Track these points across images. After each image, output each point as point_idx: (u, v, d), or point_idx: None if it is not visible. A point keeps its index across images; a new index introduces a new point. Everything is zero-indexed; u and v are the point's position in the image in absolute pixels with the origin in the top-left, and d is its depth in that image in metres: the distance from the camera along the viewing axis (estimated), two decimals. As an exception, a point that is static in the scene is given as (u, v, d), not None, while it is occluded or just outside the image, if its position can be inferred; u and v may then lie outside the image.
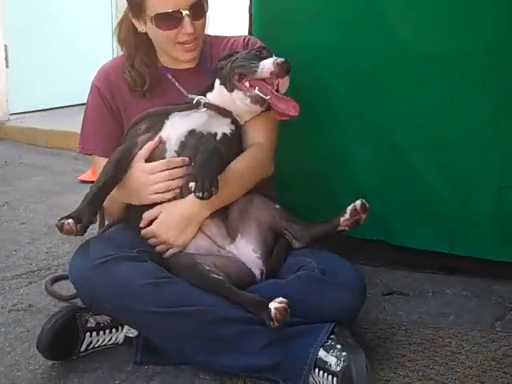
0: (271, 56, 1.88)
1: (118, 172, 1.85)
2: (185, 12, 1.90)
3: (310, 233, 1.93)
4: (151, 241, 1.88)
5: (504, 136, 2.22)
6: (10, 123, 5.36)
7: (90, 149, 2.06)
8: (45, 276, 2.45)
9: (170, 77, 2.05)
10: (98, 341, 1.86)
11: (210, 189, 1.69)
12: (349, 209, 1.89)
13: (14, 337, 1.99)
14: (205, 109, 1.91)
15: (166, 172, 1.84)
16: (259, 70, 1.83)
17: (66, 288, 2.24)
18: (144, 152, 1.87)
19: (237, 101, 1.89)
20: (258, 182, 1.96)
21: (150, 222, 1.88)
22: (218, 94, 1.93)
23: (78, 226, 1.70)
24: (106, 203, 1.84)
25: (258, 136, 1.99)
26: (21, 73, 5.47)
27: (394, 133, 2.34)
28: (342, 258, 1.89)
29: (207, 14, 2.02)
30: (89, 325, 1.84)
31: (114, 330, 1.88)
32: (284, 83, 1.87)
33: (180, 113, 1.91)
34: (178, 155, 1.86)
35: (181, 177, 1.85)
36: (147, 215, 1.88)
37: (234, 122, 1.95)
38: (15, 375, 1.79)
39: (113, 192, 1.82)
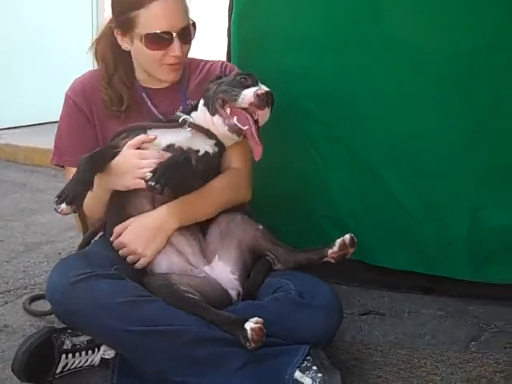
0: (256, 84, 1.88)
1: (103, 156, 1.85)
2: (175, 34, 1.93)
3: (295, 258, 1.94)
4: (121, 251, 1.88)
5: (478, 159, 2.26)
6: (-11, 140, 5.32)
7: (66, 160, 2.05)
8: (21, 295, 2.43)
9: (144, 96, 2.07)
10: (73, 363, 1.85)
11: (163, 185, 1.69)
12: (338, 242, 1.89)
13: (-11, 358, 1.97)
14: (189, 128, 1.92)
15: (154, 160, 1.83)
16: (240, 99, 1.83)
17: (43, 308, 2.21)
18: (135, 142, 1.87)
19: (217, 126, 1.90)
20: (234, 206, 1.97)
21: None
22: (201, 115, 1.94)
23: (74, 206, 1.74)
24: (85, 208, 1.88)
25: (236, 161, 2.00)
26: (1, 90, 5.45)
27: (371, 157, 2.37)
28: (319, 279, 1.90)
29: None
30: (65, 346, 1.83)
31: (90, 352, 1.87)
32: (264, 115, 1.86)
33: (162, 129, 1.92)
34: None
35: None
36: (117, 228, 1.88)
37: (218, 144, 1.95)
38: (-11, 397, 1.78)
39: (97, 183, 1.81)
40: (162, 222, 1.85)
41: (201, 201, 1.86)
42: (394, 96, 2.28)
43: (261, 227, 1.96)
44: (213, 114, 1.90)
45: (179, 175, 1.79)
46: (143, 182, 1.77)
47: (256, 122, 1.85)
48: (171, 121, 1.96)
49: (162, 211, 1.84)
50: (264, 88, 1.86)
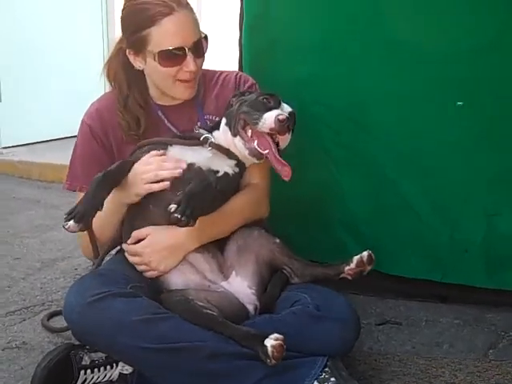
0: (279, 105, 1.87)
1: (119, 171, 1.86)
2: (188, 49, 1.93)
3: (311, 272, 1.94)
4: (134, 259, 1.89)
5: (491, 164, 2.26)
6: (2, 157, 5.35)
7: (77, 186, 2.07)
8: (39, 312, 2.44)
9: (160, 114, 2.07)
10: (92, 378, 1.85)
11: (190, 217, 1.67)
12: (355, 258, 1.89)
13: (8, 375, 1.98)
14: (210, 148, 1.92)
15: (157, 163, 1.85)
16: (260, 123, 1.81)
17: (62, 324, 2.22)
18: (148, 157, 1.88)
19: (238, 147, 1.90)
20: (252, 221, 1.97)
21: (138, 241, 1.89)
22: (223, 135, 1.93)
23: (81, 224, 1.74)
24: (96, 228, 1.88)
25: (255, 177, 2.01)
26: (13, 107, 5.49)
27: (383, 163, 2.38)
28: (335, 291, 1.91)
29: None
30: (83, 362, 1.83)
31: (108, 367, 1.86)
32: (284, 139, 1.86)
33: (182, 146, 1.92)
34: (172, 185, 1.85)
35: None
36: (136, 233, 1.89)
37: (239, 164, 1.95)
38: (10, 415, 1.79)
39: (110, 199, 1.82)
40: (181, 242, 1.86)
41: (220, 220, 1.87)
42: (403, 100, 2.29)
43: (278, 241, 1.97)
44: (234, 135, 1.89)
45: (203, 203, 1.76)
46: (149, 186, 1.80)
47: (277, 144, 1.85)
48: (192, 137, 1.95)
49: (181, 230, 1.79)
50: (286, 109, 1.86)
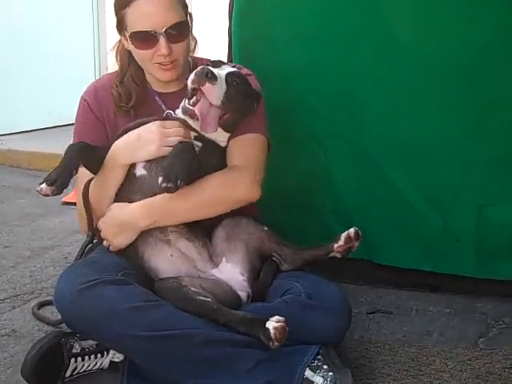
0: (218, 66, 1.90)
1: (98, 147, 1.92)
2: (160, 33, 1.92)
3: (301, 256, 1.94)
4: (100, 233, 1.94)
5: (483, 154, 2.26)
6: (-8, 145, 5.34)
7: None
8: (28, 300, 2.43)
9: (157, 99, 2.07)
10: (83, 366, 1.85)
11: (176, 180, 1.71)
12: (343, 235, 1.90)
13: (-2, 363, 1.97)
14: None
15: (177, 129, 1.88)
16: (189, 80, 1.84)
17: (51, 312, 2.23)
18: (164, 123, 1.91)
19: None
20: (238, 206, 1.95)
21: None
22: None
23: (53, 188, 1.75)
24: (94, 202, 1.91)
25: (235, 159, 1.97)
26: (3, 95, 5.46)
27: (375, 152, 2.38)
28: (328, 280, 1.91)
29: (192, 38, 2.06)
30: (74, 350, 1.83)
31: (99, 355, 1.87)
32: (208, 90, 1.81)
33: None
34: (146, 170, 1.89)
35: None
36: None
37: (201, 136, 1.92)
38: (0, 402, 1.78)
39: (110, 166, 1.87)
40: (131, 219, 1.87)
41: (184, 195, 1.82)
42: (395, 91, 2.29)
43: (266, 229, 1.96)
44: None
45: (187, 164, 1.78)
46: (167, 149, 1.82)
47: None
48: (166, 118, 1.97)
49: (135, 209, 1.86)
50: (225, 70, 1.87)
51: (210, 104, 1.83)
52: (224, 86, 1.84)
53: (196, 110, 1.83)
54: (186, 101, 1.86)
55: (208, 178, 1.90)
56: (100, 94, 2.09)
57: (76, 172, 1.83)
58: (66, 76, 5.64)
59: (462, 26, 2.17)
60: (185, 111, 1.88)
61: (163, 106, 2.07)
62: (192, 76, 1.82)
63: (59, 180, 1.76)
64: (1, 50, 5.41)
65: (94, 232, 1.98)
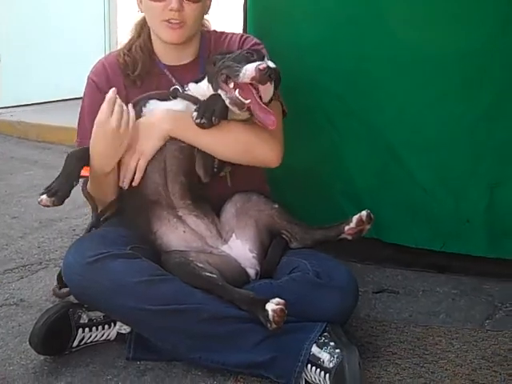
0: (262, 59, 1.83)
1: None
2: None
3: (312, 236, 1.94)
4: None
5: (495, 134, 2.25)
6: (1, 117, 5.33)
7: (86, 142, 2.03)
8: (37, 270, 2.45)
9: (167, 72, 2.05)
10: (90, 337, 1.86)
11: (210, 116, 1.77)
12: (355, 218, 1.88)
13: (6, 331, 1.99)
14: (178, 98, 1.91)
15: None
16: (241, 74, 1.77)
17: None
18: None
19: None
20: (256, 164, 1.94)
21: None
22: (204, 89, 1.90)
23: (54, 199, 1.73)
24: (93, 191, 1.90)
25: None
26: (12, 67, 5.46)
27: (387, 132, 2.36)
28: (336, 259, 1.90)
29: (206, 12, 2.04)
30: (81, 321, 1.84)
31: (106, 327, 1.88)
32: (266, 90, 1.80)
33: (159, 101, 1.92)
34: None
35: None
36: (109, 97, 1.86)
37: None
38: (7, 370, 1.79)
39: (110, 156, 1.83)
40: (159, 122, 1.86)
41: (210, 130, 1.82)
42: (410, 71, 2.27)
43: (277, 206, 1.96)
44: (215, 90, 1.85)
45: (221, 107, 1.80)
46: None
47: (260, 98, 1.80)
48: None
49: (163, 112, 1.87)
50: (269, 63, 1.80)
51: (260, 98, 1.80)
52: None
53: (253, 103, 1.78)
54: (237, 91, 1.78)
55: (238, 124, 1.88)
56: (109, 72, 2.06)
57: (77, 183, 1.81)
58: (75, 50, 5.62)
59: (481, 5, 2.14)
60: (233, 101, 1.80)
61: (173, 80, 2.04)
62: (253, 72, 1.75)
63: (60, 192, 1.74)
64: (10, 22, 5.39)
65: (99, 216, 1.98)
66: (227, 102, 1.81)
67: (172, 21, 1.94)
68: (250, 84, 1.78)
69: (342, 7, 2.30)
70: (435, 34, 2.20)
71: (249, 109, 1.79)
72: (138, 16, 2.10)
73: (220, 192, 1.97)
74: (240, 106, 1.79)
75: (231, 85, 1.81)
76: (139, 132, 1.86)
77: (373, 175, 2.42)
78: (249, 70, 1.76)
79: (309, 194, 2.49)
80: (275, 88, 1.85)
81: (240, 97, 1.78)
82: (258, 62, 1.78)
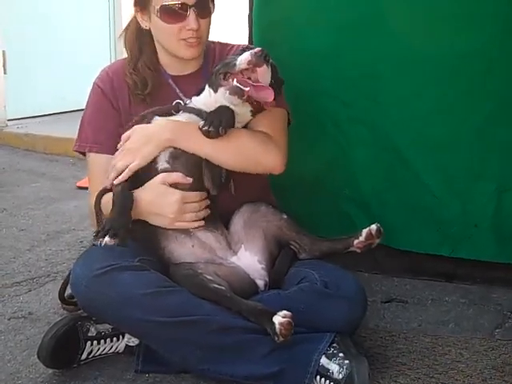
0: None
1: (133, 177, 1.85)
2: (190, 7, 1.90)
3: (319, 247, 1.93)
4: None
5: (503, 139, 2.24)
6: (8, 129, 5.35)
7: (88, 146, 2.03)
8: (44, 283, 2.45)
9: (171, 82, 2.05)
10: (98, 349, 1.86)
11: (218, 126, 1.77)
12: (364, 231, 1.88)
13: (14, 345, 1.99)
14: (181, 111, 1.91)
15: (197, 204, 1.85)
16: (238, 62, 1.79)
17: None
18: (169, 179, 1.85)
19: (220, 98, 1.85)
20: (259, 171, 1.94)
21: None
22: (205, 97, 1.90)
23: (117, 240, 1.72)
24: (104, 207, 1.85)
25: (263, 128, 1.94)
26: (19, 79, 5.48)
27: (394, 137, 2.36)
28: (344, 269, 1.90)
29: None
30: (90, 334, 1.84)
31: (114, 339, 1.88)
32: (263, 72, 1.80)
33: (161, 117, 1.91)
34: (168, 164, 1.85)
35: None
36: (124, 135, 1.89)
37: None
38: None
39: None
40: (159, 131, 1.86)
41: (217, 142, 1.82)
42: (415, 76, 2.27)
43: (285, 217, 1.95)
44: (216, 91, 1.86)
45: (229, 119, 1.81)
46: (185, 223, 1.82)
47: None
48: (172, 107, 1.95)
49: (165, 122, 1.87)
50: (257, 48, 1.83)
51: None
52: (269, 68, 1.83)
53: (251, 88, 1.78)
54: (235, 80, 1.80)
55: (241, 131, 1.89)
56: (114, 81, 2.06)
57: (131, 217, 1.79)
58: (81, 63, 5.64)
59: (487, 11, 2.15)
60: (235, 91, 1.80)
61: (177, 90, 2.05)
62: (248, 57, 1.77)
63: (121, 230, 1.73)
64: (16, 34, 5.42)
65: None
66: (227, 93, 1.81)
67: (190, 40, 1.95)
68: (247, 71, 1.79)
69: (346, 15, 2.30)
70: (439, 38, 2.21)
71: (248, 99, 1.80)
72: (126, 32, 2.08)
73: (225, 201, 1.96)
74: (240, 94, 1.79)
75: (229, 80, 1.82)
76: (139, 135, 1.86)
77: (379, 179, 2.42)
78: (244, 56, 1.79)
79: (316, 201, 2.49)
80: (278, 89, 1.87)
81: (239, 85, 1.79)
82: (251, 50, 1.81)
